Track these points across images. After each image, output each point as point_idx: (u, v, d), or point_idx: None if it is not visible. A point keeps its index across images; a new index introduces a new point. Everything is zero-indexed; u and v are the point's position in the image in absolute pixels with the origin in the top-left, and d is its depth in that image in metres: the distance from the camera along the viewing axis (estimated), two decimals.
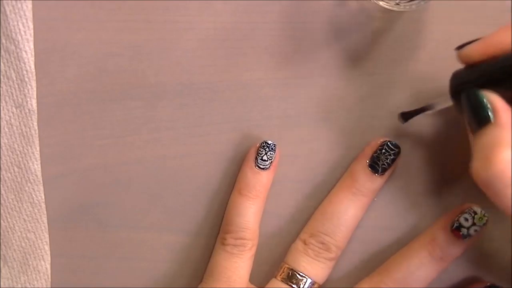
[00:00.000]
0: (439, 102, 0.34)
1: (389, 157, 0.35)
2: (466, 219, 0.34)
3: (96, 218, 0.38)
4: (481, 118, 0.29)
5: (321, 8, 0.37)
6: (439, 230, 0.35)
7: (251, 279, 0.37)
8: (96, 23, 0.37)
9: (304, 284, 0.35)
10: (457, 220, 0.34)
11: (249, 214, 0.36)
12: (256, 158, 0.36)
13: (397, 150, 0.35)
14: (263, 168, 0.36)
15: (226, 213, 0.37)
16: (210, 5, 0.37)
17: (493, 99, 0.29)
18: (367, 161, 0.36)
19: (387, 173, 0.36)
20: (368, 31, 0.37)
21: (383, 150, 0.35)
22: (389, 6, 0.35)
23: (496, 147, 0.28)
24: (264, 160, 0.36)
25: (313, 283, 0.35)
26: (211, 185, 0.38)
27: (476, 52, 0.31)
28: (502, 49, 0.30)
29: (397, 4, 0.35)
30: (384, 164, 0.35)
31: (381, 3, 0.35)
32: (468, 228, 0.34)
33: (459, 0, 0.37)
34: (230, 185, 0.37)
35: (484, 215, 0.34)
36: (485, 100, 0.29)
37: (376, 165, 0.35)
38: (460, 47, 0.32)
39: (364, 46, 0.37)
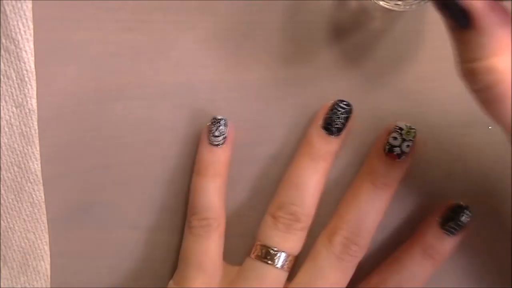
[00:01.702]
0: None
1: (341, 115, 0.35)
2: (395, 138, 0.34)
3: (96, 218, 0.38)
4: (460, 22, 0.26)
5: (321, 8, 0.37)
6: (374, 158, 0.35)
7: (232, 258, 0.37)
8: (96, 23, 0.37)
9: (279, 259, 0.35)
10: (387, 142, 0.34)
11: (210, 193, 0.35)
12: (209, 136, 0.35)
13: (348, 108, 0.35)
14: (217, 145, 0.35)
15: (189, 197, 0.36)
16: (210, 5, 0.37)
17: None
18: (320, 124, 0.35)
19: (342, 134, 0.35)
20: (368, 31, 0.37)
21: (334, 110, 0.35)
22: (389, 6, 0.35)
23: (482, 57, 0.25)
24: (216, 136, 0.35)
25: (287, 256, 0.35)
26: None
27: None
28: None
29: (397, 4, 0.35)
30: (337, 124, 0.35)
31: (381, 3, 0.35)
32: (400, 146, 0.34)
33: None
34: (230, 185, 0.37)
35: (410, 128, 0.34)
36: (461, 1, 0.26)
37: (330, 126, 0.35)
38: None
39: (364, 46, 0.37)
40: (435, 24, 0.37)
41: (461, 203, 0.35)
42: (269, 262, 0.35)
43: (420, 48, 0.37)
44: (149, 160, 0.38)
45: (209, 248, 0.35)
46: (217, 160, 0.35)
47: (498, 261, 0.37)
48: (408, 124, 0.35)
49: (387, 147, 0.34)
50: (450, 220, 0.34)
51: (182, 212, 0.38)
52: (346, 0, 0.37)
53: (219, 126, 0.35)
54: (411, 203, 0.37)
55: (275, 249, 0.35)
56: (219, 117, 0.36)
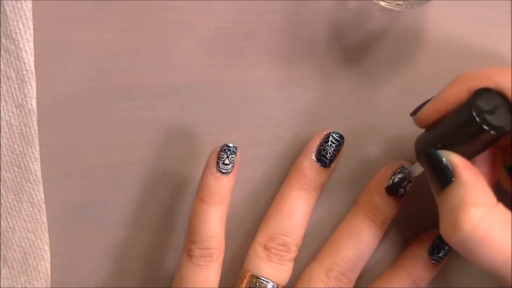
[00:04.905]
0: (414, 169, 0.33)
1: (335, 148, 0.35)
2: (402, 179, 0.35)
3: (96, 218, 0.38)
4: (443, 179, 0.29)
5: (321, 8, 0.37)
6: (375, 196, 0.35)
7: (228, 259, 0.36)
8: (96, 23, 0.37)
9: None
10: (392, 182, 0.35)
11: (214, 222, 0.34)
12: (218, 163, 0.34)
13: (341, 140, 0.35)
14: (225, 173, 0.34)
15: (190, 222, 0.35)
16: (210, 5, 0.37)
17: (452, 158, 0.29)
18: (313, 156, 0.35)
19: (333, 165, 0.36)
20: (368, 31, 0.37)
21: (329, 143, 0.35)
22: (390, 6, 0.35)
23: (462, 207, 0.28)
24: (226, 164, 0.34)
25: (277, 286, 0.35)
26: None
27: (429, 114, 0.31)
28: (453, 105, 0.30)
29: (398, 4, 0.35)
30: (332, 156, 0.35)
31: (381, 3, 0.35)
32: (405, 187, 0.35)
33: (459, 0, 0.37)
34: None
35: None
36: (444, 160, 0.29)
37: (324, 158, 0.35)
38: (414, 113, 0.32)
39: (364, 46, 0.37)
40: (435, 24, 0.37)
41: None
42: None
43: (420, 48, 0.37)
44: (149, 160, 0.38)
45: (208, 278, 0.34)
46: (223, 188, 0.34)
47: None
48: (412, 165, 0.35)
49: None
50: (440, 250, 0.34)
51: (182, 212, 0.38)
52: (346, 0, 0.37)
53: (230, 154, 0.34)
54: (409, 204, 0.37)
55: (268, 280, 0.35)
56: (230, 145, 0.34)
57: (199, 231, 0.34)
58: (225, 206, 0.35)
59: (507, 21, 0.37)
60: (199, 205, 0.34)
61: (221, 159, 0.34)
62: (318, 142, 0.36)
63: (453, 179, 0.29)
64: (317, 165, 0.35)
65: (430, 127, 0.32)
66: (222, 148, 0.34)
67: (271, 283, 0.35)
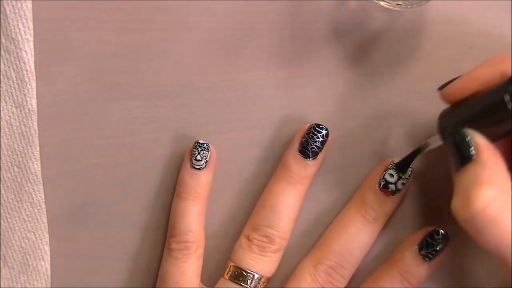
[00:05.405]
0: (430, 142, 0.33)
1: (317, 140, 0.35)
2: (392, 175, 0.35)
3: (96, 218, 0.38)
4: (463, 156, 0.29)
5: (321, 8, 0.37)
6: (367, 191, 0.35)
7: (209, 280, 0.37)
8: (96, 23, 0.37)
9: (252, 280, 0.35)
10: (383, 178, 0.35)
11: (191, 217, 0.36)
12: (191, 159, 0.36)
13: (325, 132, 0.35)
14: (198, 168, 0.36)
15: (170, 218, 0.37)
16: (210, 5, 0.37)
17: (475, 137, 0.29)
18: (297, 148, 0.35)
19: (319, 157, 0.35)
20: (368, 31, 0.37)
21: (311, 134, 0.35)
22: (390, 6, 0.35)
23: (476, 185, 0.28)
24: (198, 160, 0.36)
25: (260, 278, 0.35)
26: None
27: (457, 90, 0.31)
28: (483, 85, 0.30)
29: (398, 4, 0.35)
30: (314, 148, 0.35)
31: (381, 3, 0.35)
32: (395, 184, 0.35)
33: (459, 0, 0.37)
34: (230, 185, 0.37)
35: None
36: (468, 138, 0.29)
37: (306, 150, 0.35)
38: (442, 87, 0.32)
39: (364, 46, 0.37)
40: (435, 24, 0.37)
41: (439, 229, 0.35)
42: (242, 283, 0.35)
43: (420, 48, 0.37)
44: (149, 160, 0.38)
45: (186, 270, 0.35)
46: (198, 184, 0.36)
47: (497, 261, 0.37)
48: None
49: (382, 182, 0.35)
50: (429, 246, 0.34)
51: None
52: (346, 0, 0.37)
53: (202, 150, 0.36)
54: (411, 204, 0.37)
55: (248, 270, 0.35)
56: (201, 142, 0.36)
57: (177, 226, 0.36)
58: (202, 202, 0.36)
59: (507, 21, 0.37)
60: (176, 201, 0.36)
61: (193, 155, 0.36)
62: (301, 134, 0.36)
63: (474, 157, 0.29)
64: (300, 157, 0.35)
65: (455, 103, 0.32)
66: (194, 145, 0.36)
67: (253, 273, 0.35)
